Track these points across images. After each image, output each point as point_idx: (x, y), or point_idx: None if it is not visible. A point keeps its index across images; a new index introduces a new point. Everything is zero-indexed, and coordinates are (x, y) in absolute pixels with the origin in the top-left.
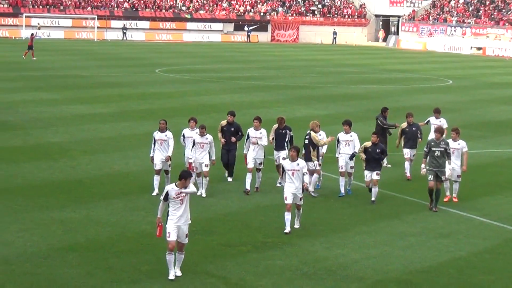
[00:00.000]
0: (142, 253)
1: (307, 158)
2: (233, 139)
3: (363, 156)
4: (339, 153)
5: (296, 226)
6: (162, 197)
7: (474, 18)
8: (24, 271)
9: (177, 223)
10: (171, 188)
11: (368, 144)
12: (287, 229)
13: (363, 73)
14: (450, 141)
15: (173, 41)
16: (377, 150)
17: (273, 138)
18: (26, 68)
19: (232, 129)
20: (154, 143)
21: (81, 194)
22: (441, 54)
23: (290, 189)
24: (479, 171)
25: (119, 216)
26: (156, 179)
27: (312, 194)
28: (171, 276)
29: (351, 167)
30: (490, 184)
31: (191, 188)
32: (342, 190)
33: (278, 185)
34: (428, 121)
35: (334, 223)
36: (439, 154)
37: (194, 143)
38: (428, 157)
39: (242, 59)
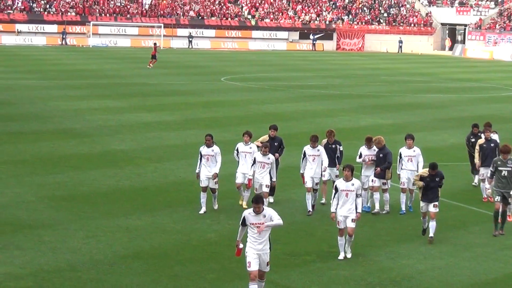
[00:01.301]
0: (207, 261)
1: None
2: (276, 155)
3: (420, 183)
4: (401, 169)
5: (348, 255)
6: (240, 222)
7: None
8: (90, 277)
9: (258, 250)
10: (248, 214)
11: (425, 172)
12: (341, 255)
13: (429, 82)
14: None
15: (239, 49)
16: (436, 179)
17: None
18: (93, 76)
19: (275, 143)
20: (201, 159)
21: (147, 201)
22: (508, 63)
23: (343, 212)
24: None
25: (184, 224)
26: (203, 196)
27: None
28: None
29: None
30: None
31: (276, 220)
32: (403, 207)
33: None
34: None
35: (399, 234)
36: (506, 174)
37: (254, 161)
38: (494, 177)
39: (307, 68)
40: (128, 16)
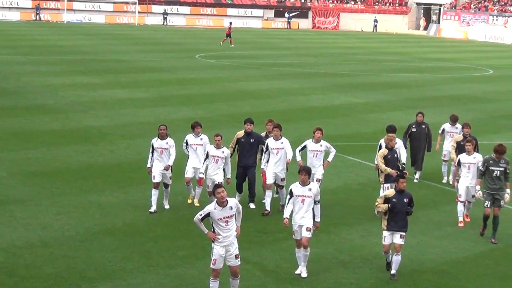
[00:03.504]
0: (179, 238)
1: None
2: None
3: (383, 207)
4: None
5: (304, 274)
6: (200, 217)
7: None
8: (62, 253)
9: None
10: (213, 209)
11: (391, 193)
12: (300, 269)
13: (404, 62)
14: (463, 155)
15: (214, 27)
16: (405, 200)
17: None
18: (67, 52)
19: (251, 140)
20: (153, 152)
21: (119, 178)
22: (482, 43)
23: (298, 220)
24: None
25: (157, 201)
26: (154, 193)
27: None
28: None
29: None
30: None
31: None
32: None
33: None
34: (443, 130)
35: (371, 212)
36: (498, 174)
37: (207, 156)
38: (484, 177)
39: (282, 46)
40: None
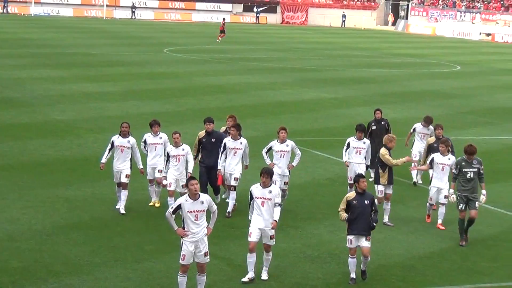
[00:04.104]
0: (146, 232)
1: (376, 181)
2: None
3: (343, 216)
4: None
5: (264, 277)
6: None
7: (484, 4)
8: (29, 247)
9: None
10: (184, 200)
11: (352, 195)
12: (250, 274)
13: (372, 57)
14: (437, 155)
15: (182, 21)
16: (366, 202)
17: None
18: (34, 45)
19: (212, 140)
20: (111, 149)
21: (87, 172)
22: (450, 39)
23: (258, 224)
24: (485, 158)
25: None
26: (118, 191)
27: (388, 223)
28: None
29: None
30: (495, 171)
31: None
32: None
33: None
34: (414, 129)
35: (338, 207)
36: (472, 176)
37: (168, 157)
38: (457, 180)
39: (250, 41)
40: None
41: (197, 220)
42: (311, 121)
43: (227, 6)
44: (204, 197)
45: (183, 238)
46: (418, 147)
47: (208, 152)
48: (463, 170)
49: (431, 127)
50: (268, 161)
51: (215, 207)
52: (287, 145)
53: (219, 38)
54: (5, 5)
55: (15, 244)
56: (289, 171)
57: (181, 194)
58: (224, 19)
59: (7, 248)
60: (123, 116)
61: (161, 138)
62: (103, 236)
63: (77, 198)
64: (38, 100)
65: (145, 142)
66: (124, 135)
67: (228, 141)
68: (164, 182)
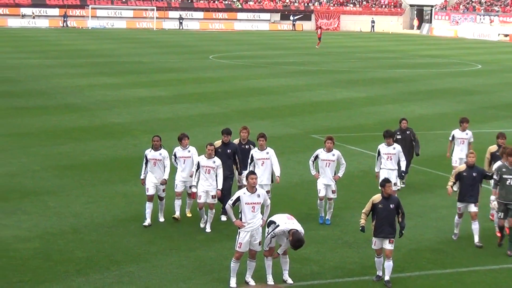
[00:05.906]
0: (198, 223)
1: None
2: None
3: (362, 222)
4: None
5: (290, 281)
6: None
7: (501, 7)
8: (92, 239)
9: (250, 230)
10: (243, 193)
11: (378, 198)
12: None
13: (399, 59)
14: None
15: (225, 30)
16: (391, 206)
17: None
18: (92, 55)
19: (228, 151)
20: (146, 163)
21: None
22: (470, 40)
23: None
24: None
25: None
26: (149, 206)
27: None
28: (233, 284)
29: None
30: None
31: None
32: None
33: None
34: (453, 136)
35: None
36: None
37: (198, 166)
38: (498, 187)
39: (288, 46)
40: (124, 0)
41: (254, 212)
42: (345, 119)
43: (266, 15)
44: (261, 191)
45: (240, 229)
46: (458, 153)
47: (223, 163)
48: (504, 176)
49: (468, 131)
50: (313, 172)
51: (269, 201)
52: (333, 155)
53: (317, 45)
54: (65, 19)
55: (79, 236)
56: (335, 181)
57: (210, 205)
58: (321, 28)
59: (72, 240)
60: (174, 118)
61: (189, 151)
62: (158, 227)
63: (133, 193)
64: (96, 105)
65: (175, 155)
66: (155, 148)
67: (255, 152)
68: (194, 189)
